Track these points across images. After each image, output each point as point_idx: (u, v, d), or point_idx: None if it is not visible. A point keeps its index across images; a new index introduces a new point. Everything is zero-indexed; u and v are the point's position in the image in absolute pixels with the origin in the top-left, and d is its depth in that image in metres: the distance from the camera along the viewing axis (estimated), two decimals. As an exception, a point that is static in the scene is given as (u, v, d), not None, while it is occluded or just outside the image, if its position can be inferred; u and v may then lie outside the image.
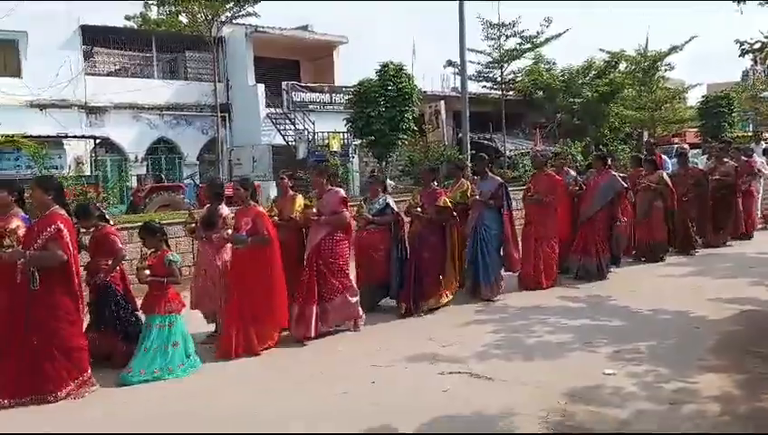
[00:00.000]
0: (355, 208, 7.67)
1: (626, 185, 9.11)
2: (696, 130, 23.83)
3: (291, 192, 7.24)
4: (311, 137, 21.57)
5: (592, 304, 7.51)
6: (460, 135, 17.56)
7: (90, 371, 5.16)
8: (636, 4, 61.85)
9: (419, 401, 4.75)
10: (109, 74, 22.35)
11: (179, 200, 15.76)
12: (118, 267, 5.94)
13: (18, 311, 4.89)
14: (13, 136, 10.77)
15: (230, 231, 6.22)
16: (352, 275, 7.00)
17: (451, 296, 7.58)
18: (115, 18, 26.31)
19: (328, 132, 21.15)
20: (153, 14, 27.82)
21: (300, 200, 7.03)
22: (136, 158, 21.45)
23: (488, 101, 22.64)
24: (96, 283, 5.84)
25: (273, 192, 19.15)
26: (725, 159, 11.79)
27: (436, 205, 7.46)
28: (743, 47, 7.52)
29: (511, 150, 21.13)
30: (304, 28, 25.05)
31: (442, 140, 20.60)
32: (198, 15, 10.70)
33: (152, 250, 5.77)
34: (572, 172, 9.66)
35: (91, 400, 5.02)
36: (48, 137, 17.16)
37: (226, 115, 23.47)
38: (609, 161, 9.48)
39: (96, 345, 5.63)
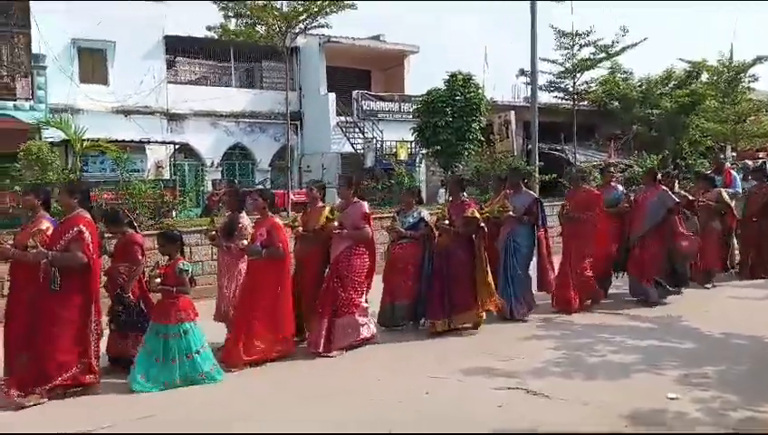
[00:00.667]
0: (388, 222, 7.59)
1: (677, 201, 8.42)
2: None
3: (320, 203, 7.00)
4: (379, 145, 21.79)
5: (661, 325, 7.25)
6: (530, 146, 17.30)
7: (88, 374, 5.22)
8: (721, 9, 59.31)
9: (472, 414, 4.73)
10: (189, 83, 23.29)
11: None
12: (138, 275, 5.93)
13: (39, 309, 5.11)
14: (98, 140, 11.41)
15: (245, 242, 6.21)
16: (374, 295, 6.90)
17: (487, 312, 7.18)
18: (197, 29, 27.46)
19: (396, 141, 21.31)
20: (232, 25, 28.83)
21: (326, 212, 6.81)
22: (212, 163, 22.24)
23: (560, 111, 22.22)
24: (116, 290, 5.87)
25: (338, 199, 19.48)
26: None
27: (464, 216, 7.11)
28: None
29: (582, 162, 20.62)
30: (376, 38, 25.35)
31: (511, 151, 20.37)
32: (273, 27, 11.03)
33: (167, 258, 5.76)
34: (620, 187, 9.16)
35: (87, 401, 5.17)
36: (131, 142, 18.06)
37: (298, 123, 24.03)
38: (660, 176, 8.86)
39: (115, 350, 5.85)
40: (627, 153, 22.32)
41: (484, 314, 7.10)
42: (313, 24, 11.92)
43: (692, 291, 8.99)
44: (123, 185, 9.98)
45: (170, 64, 22.59)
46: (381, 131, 22.22)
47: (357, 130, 22.68)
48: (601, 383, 5.35)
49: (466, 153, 13.75)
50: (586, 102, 23.95)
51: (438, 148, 13.37)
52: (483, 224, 7.09)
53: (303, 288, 6.63)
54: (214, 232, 6.71)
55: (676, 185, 9.29)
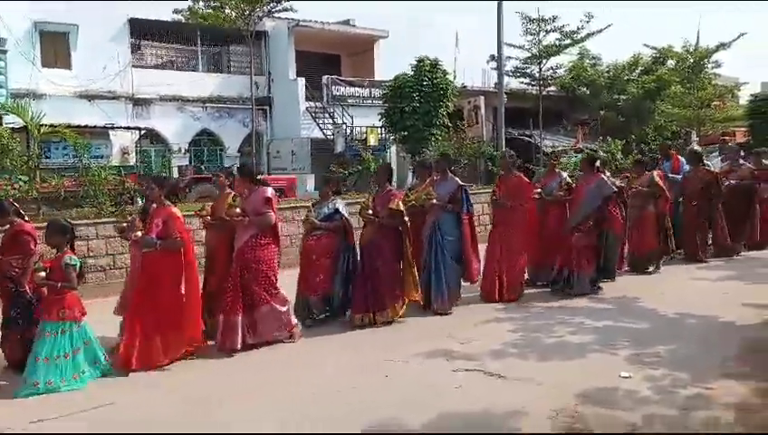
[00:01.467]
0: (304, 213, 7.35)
1: (615, 189, 8.17)
2: (744, 129, 23.04)
3: (227, 190, 6.65)
4: (349, 131, 21.73)
5: (618, 306, 7.40)
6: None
7: None
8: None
9: (430, 396, 4.79)
10: (155, 67, 22.90)
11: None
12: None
13: None
14: (57, 126, 11.15)
15: (139, 233, 5.79)
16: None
17: (406, 303, 6.95)
18: (163, 12, 26.92)
19: (366, 127, 21.28)
20: (201, 7, 28.37)
21: (229, 199, 6.47)
22: (179, 149, 21.96)
23: (529, 97, 22.38)
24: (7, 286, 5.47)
25: (311, 185, 19.43)
26: (742, 162, 10.97)
27: (389, 208, 6.79)
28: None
29: (549, 147, 20.84)
30: (346, 23, 25.20)
31: (480, 136, 20.48)
32: (235, 10, 10.86)
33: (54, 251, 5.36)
34: (564, 174, 8.98)
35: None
36: (95, 127, 17.70)
37: (267, 108, 23.82)
38: (599, 163, 8.50)
39: (5, 350, 5.53)
40: (594, 138, 22.60)
41: (402, 308, 6.87)
42: (278, 8, 11.78)
43: (647, 275, 9.17)
44: (83, 171, 9.79)
45: (135, 48, 22.18)
46: (351, 117, 22.16)
47: (327, 115, 22.58)
48: (557, 363, 5.46)
49: (433, 138, 13.79)
50: (554, 88, 24.15)
51: (406, 133, 13.38)
52: (406, 217, 6.83)
53: (213, 278, 6.41)
54: (125, 224, 6.29)
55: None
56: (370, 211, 6.91)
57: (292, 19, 21.99)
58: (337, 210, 7.02)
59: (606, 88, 23.65)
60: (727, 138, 26.00)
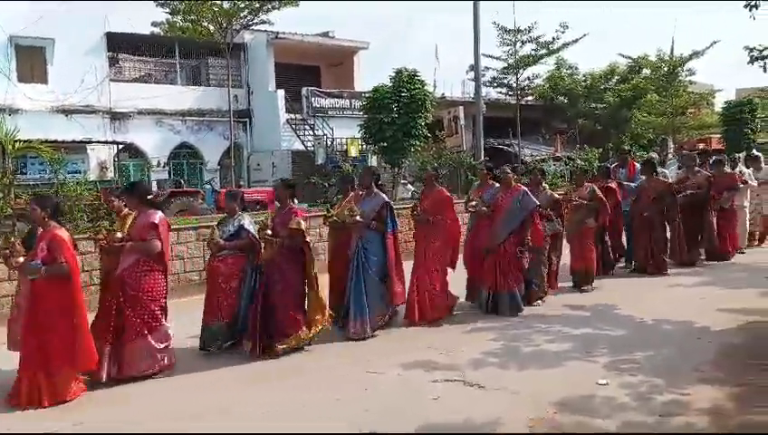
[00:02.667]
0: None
1: (538, 203, 7.68)
2: (718, 136, 23.45)
3: (124, 211, 6.24)
4: (329, 142, 21.76)
5: (596, 313, 7.46)
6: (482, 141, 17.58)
7: None
8: (663, 5, 61.23)
9: (409, 407, 4.79)
10: (133, 80, 22.81)
11: (198, 205, 16.02)
12: None
13: None
14: (31, 141, 11.04)
15: (21, 259, 5.30)
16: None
17: (319, 327, 6.39)
18: (142, 25, 26.90)
19: (346, 138, 21.32)
20: (179, 20, 28.32)
21: (129, 221, 6.03)
22: (158, 163, 21.84)
23: (507, 106, 22.58)
24: None
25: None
26: (697, 170, 10.57)
27: (288, 227, 6.29)
28: (752, 54, 7.42)
29: (528, 156, 21.03)
30: (325, 34, 25.29)
31: (460, 146, 20.60)
32: (213, 23, 10.86)
33: None
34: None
35: None
36: (72, 142, 17.58)
37: (247, 121, 23.79)
38: (515, 175, 8.02)
39: None
40: (572, 146, 22.84)
41: (311, 333, 6.35)
42: (255, 21, 11.79)
43: (627, 280, 9.27)
44: (58, 187, 9.70)
45: (113, 62, 22.08)
46: (332, 128, 22.20)
47: (307, 127, 22.60)
48: (535, 372, 5.49)
49: (412, 149, 13.86)
50: (532, 97, 24.40)
51: (385, 144, 13.44)
52: (308, 238, 6.39)
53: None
54: (7, 250, 5.52)
55: (544, 183, 8.63)
56: (270, 231, 6.35)
57: (271, 31, 22.02)
58: (242, 227, 6.51)
59: (583, 97, 23.95)
60: (701, 145, 26.55)
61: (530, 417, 4.49)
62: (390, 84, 13.59)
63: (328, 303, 6.68)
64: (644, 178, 9.95)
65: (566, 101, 24.73)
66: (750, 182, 11.45)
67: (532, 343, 6.33)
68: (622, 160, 11.07)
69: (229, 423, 4.64)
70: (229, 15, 10.58)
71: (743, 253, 11.10)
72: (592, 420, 4.45)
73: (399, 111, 13.10)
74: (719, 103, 26.57)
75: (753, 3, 7.11)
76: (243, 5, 10.62)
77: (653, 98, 22.38)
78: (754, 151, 13.19)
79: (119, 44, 22.08)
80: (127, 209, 6.20)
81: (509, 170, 7.87)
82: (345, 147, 21.36)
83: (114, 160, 19.13)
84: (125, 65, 23.04)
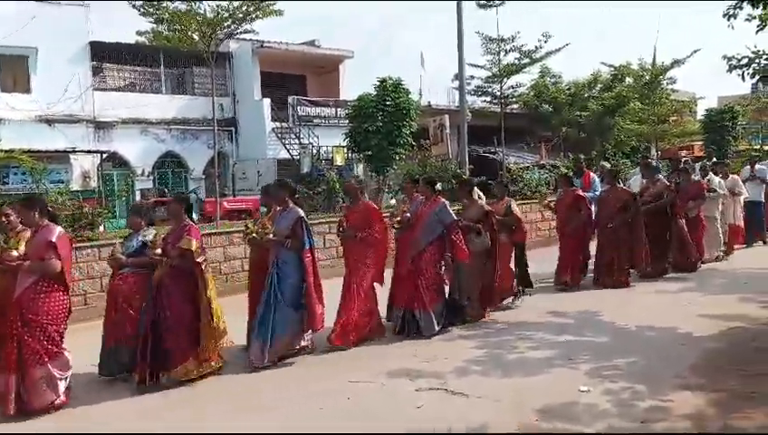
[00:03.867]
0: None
1: (455, 218, 7.20)
2: (700, 143, 23.77)
3: (19, 227, 5.65)
4: (315, 151, 21.75)
5: (578, 320, 7.49)
6: (467, 149, 17.63)
7: None
8: (646, 13, 62.03)
9: (393, 416, 4.79)
10: (117, 89, 22.68)
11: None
12: None
13: None
14: (13, 151, 10.96)
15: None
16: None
17: (219, 364, 5.92)
18: (127, 34, 26.88)
19: (332, 146, 21.33)
20: (164, 30, 28.25)
21: (26, 237, 5.51)
22: (143, 172, 21.73)
23: (493, 115, 22.72)
24: None
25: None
26: (657, 179, 10.18)
27: (178, 246, 5.75)
28: (730, 63, 7.54)
29: (514, 164, 21.14)
30: (311, 43, 25.33)
31: (446, 154, 20.65)
32: (197, 32, 10.86)
33: None
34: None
35: None
36: (55, 152, 17.45)
37: (233, 129, 23.74)
38: (439, 186, 7.47)
39: None
40: (557, 154, 22.99)
41: (202, 369, 5.77)
42: (239, 30, 11.82)
43: (613, 290, 9.25)
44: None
45: (97, 71, 21.95)
46: (317, 137, 22.20)
47: (293, 135, 22.58)
48: (518, 380, 5.50)
49: (397, 157, 13.90)
50: (517, 106, 24.53)
51: (370, 153, 13.47)
52: (201, 259, 5.79)
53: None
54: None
55: (476, 191, 8.09)
56: (159, 250, 5.83)
57: (256, 40, 22.03)
58: (146, 243, 6.02)
59: (567, 105, 24.12)
60: (684, 152, 26.85)
61: (513, 424, 4.50)
62: (375, 93, 13.63)
63: (247, 321, 6.38)
64: (607, 187, 9.80)
65: (550, 109, 24.91)
66: (719, 191, 11.21)
67: (516, 351, 6.34)
68: (578, 170, 10.76)
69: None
70: (213, 25, 10.58)
71: (719, 260, 11.03)
72: (574, 426, 4.47)
73: (384, 119, 13.15)
74: (701, 111, 26.96)
75: (731, 12, 7.24)
76: (227, 15, 10.64)
77: (636, 106, 22.61)
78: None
79: (103, 53, 21.96)
80: (21, 226, 5.61)
81: (429, 181, 7.44)
82: (331, 155, 21.36)
83: (98, 170, 19.00)
84: (109, 74, 22.90)
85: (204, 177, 22.88)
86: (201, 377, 5.76)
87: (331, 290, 6.70)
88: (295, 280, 6.23)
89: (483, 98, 23.42)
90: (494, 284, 7.70)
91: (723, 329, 6.82)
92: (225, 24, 11.25)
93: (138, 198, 19.40)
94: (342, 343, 6.57)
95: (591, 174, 10.62)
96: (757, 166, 13.24)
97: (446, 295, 7.25)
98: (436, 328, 6.98)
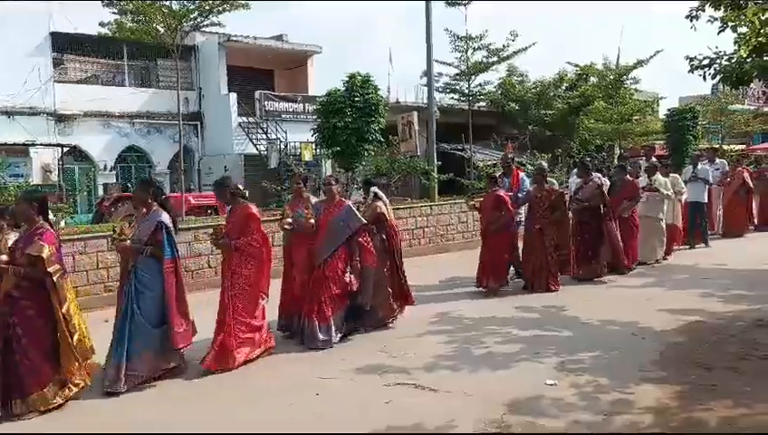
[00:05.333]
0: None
1: (364, 221, 6.81)
2: (661, 142, 24.21)
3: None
4: (283, 146, 21.58)
5: (546, 315, 7.59)
6: (435, 146, 17.70)
7: None
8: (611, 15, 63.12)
9: (361, 412, 4.78)
10: (79, 82, 22.11)
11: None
12: None
13: None
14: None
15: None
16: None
17: (78, 386, 5.18)
18: (89, 25, 26.19)
19: (300, 142, 21.19)
20: (128, 21, 27.67)
21: None
22: (105, 166, 21.27)
23: (460, 112, 22.85)
24: None
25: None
26: (590, 180, 9.76)
27: (27, 253, 5.01)
28: (692, 63, 7.70)
29: (481, 161, 21.30)
30: (279, 38, 25.09)
31: (414, 151, 20.71)
32: (161, 24, 10.65)
33: None
34: (314, 200, 7.16)
35: None
36: (14, 144, 16.95)
37: (198, 124, 23.41)
38: (339, 188, 7.09)
39: None
40: (523, 152, 23.23)
41: (66, 394, 5.10)
42: (205, 23, 11.64)
43: (575, 283, 9.40)
44: (-1, 190, 9.36)
45: (58, 62, 21.38)
46: (285, 132, 22.01)
47: (260, 130, 22.35)
48: (486, 374, 5.55)
49: (366, 154, 13.86)
50: (484, 104, 24.72)
51: (338, 149, 13.41)
52: (52, 269, 4.98)
53: None
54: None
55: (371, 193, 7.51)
56: (5, 256, 5.13)
57: (223, 34, 21.72)
58: None
59: (534, 103, 24.39)
60: (642, 151, 27.34)
61: (480, 419, 4.54)
62: (343, 89, 13.58)
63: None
64: (535, 187, 9.30)
65: (517, 107, 25.16)
66: (664, 191, 10.80)
67: (483, 345, 6.40)
68: (506, 169, 10.17)
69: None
70: (178, 17, 10.38)
71: (664, 260, 10.91)
72: (540, 420, 4.53)
73: (353, 115, 13.09)
74: (663, 110, 27.52)
75: (694, 14, 7.39)
76: (192, 7, 10.43)
77: (600, 105, 22.98)
78: (653, 160, 12.20)
79: (64, 45, 21.40)
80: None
81: (333, 182, 7.01)
82: (299, 151, 21.21)
83: (59, 163, 18.53)
84: (71, 66, 22.32)
85: (168, 172, 22.50)
86: (66, 401, 5.08)
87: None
88: (156, 292, 5.54)
89: (451, 95, 23.53)
90: (402, 280, 7.38)
91: (684, 323, 7.00)
92: (191, 17, 11.05)
93: (100, 192, 18.98)
94: (217, 367, 5.80)
95: (521, 173, 10.19)
96: (699, 166, 13.01)
97: (350, 301, 6.76)
98: (335, 339, 6.54)
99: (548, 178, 9.77)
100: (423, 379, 5.44)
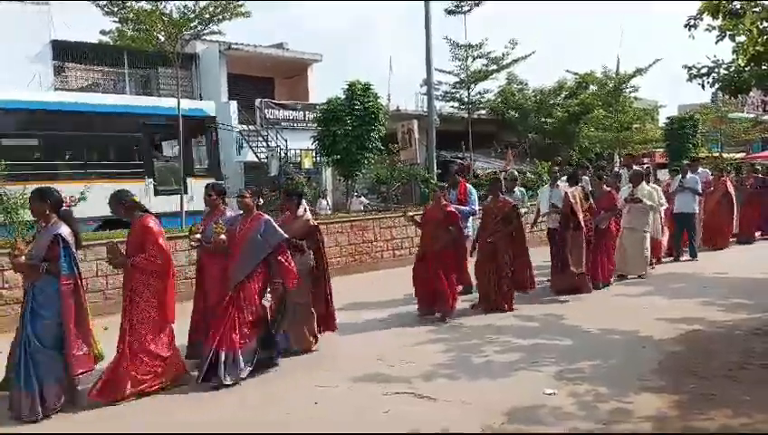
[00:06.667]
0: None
1: (286, 236, 6.03)
2: (661, 150, 24.31)
3: None
4: (283, 154, 21.60)
5: (545, 324, 7.58)
6: (435, 154, 17.74)
7: None
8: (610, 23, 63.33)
9: (360, 421, 4.77)
10: (80, 90, 22.12)
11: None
12: None
13: None
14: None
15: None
16: None
17: None
18: (91, 33, 26.37)
19: (300, 150, 21.22)
20: (129, 30, 27.76)
21: None
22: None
23: (460, 120, 22.93)
24: None
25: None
26: (502, 198, 8.70)
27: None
28: (691, 72, 7.73)
29: (481, 169, 21.34)
30: (279, 46, 25.18)
31: (414, 159, 20.76)
32: (162, 33, 10.70)
33: None
34: (229, 214, 6.46)
35: None
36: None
37: (199, 132, 23.40)
38: (260, 201, 6.35)
39: None
40: (523, 160, 23.27)
41: None
42: (205, 31, 11.69)
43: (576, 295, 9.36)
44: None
45: (59, 71, 21.43)
46: (285, 140, 22.04)
47: (260, 138, 22.38)
48: (485, 383, 5.54)
49: (366, 161, 13.90)
50: (484, 112, 24.79)
51: (338, 157, 13.45)
52: None
53: None
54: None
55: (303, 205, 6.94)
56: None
57: (224, 42, 21.79)
58: None
59: (533, 111, 24.46)
60: (647, 159, 27.41)
61: (478, 427, 4.52)
62: (344, 96, 13.63)
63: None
64: (490, 198, 8.72)
65: (517, 115, 25.23)
66: (647, 202, 10.24)
67: (482, 354, 6.39)
68: (452, 181, 9.56)
69: None
70: (179, 25, 10.43)
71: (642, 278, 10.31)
72: (539, 428, 4.52)
73: (353, 123, 13.15)
74: (663, 119, 27.59)
75: (692, 23, 7.42)
76: (193, 15, 10.50)
77: (600, 113, 23.07)
78: (635, 167, 11.80)
79: (65, 53, 21.44)
80: None
81: (247, 194, 6.19)
82: (299, 159, 21.24)
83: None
84: (71, 74, 22.34)
85: (169, 179, 22.45)
86: None
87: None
88: (52, 312, 5.09)
89: (451, 103, 23.61)
90: (329, 306, 6.80)
91: (683, 332, 6.99)
92: (192, 25, 11.10)
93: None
94: (103, 399, 5.23)
95: (468, 185, 9.57)
96: (689, 175, 12.37)
97: (264, 328, 5.97)
98: (244, 373, 5.71)
99: (516, 190, 9.67)
100: (422, 387, 5.43)
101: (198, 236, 6.24)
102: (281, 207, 6.81)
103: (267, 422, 4.82)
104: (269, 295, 6.02)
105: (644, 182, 10.61)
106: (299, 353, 6.49)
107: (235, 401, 5.33)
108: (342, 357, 6.51)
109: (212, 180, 9.93)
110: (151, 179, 13.53)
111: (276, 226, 6.05)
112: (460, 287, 8.38)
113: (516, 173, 10.67)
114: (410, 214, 8.94)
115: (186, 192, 12.41)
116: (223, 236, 5.99)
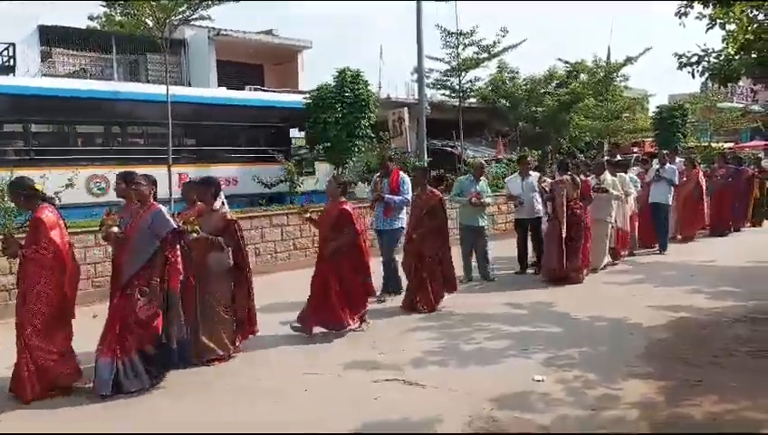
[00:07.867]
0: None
1: (174, 226, 5.43)
2: (650, 139, 24.36)
3: None
4: (273, 141, 21.49)
5: (534, 311, 7.61)
6: (426, 142, 17.72)
7: None
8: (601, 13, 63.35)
9: (350, 408, 4.77)
10: (67, 75, 21.89)
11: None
12: None
13: None
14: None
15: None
16: None
17: None
18: (78, 18, 26.06)
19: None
20: (117, 14, 27.44)
21: None
22: (93, 160, 21.07)
23: (451, 108, 22.87)
24: None
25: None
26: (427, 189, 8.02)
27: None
28: (681, 60, 7.73)
29: (472, 157, 21.31)
30: (269, 32, 24.98)
31: (405, 147, 20.72)
32: (150, 18, 10.55)
33: None
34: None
35: None
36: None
37: (188, 118, 23.24)
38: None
39: None
40: (514, 148, 23.27)
41: None
42: (194, 17, 11.56)
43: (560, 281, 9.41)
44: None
45: (45, 56, 21.17)
46: (275, 127, 21.93)
47: (250, 125, 22.25)
48: (474, 370, 5.56)
49: (356, 149, 13.84)
50: (475, 100, 24.73)
51: (329, 144, 13.39)
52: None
53: None
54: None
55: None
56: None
57: (213, 28, 21.58)
58: None
59: (524, 100, 24.39)
60: (637, 148, 27.52)
61: (467, 414, 4.54)
62: (334, 84, 13.55)
63: None
64: (417, 192, 8.11)
65: (507, 104, 25.17)
66: (613, 192, 9.95)
67: (472, 341, 6.41)
68: (384, 171, 8.77)
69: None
70: (167, 10, 10.29)
71: (612, 266, 10.29)
72: (528, 415, 4.54)
73: (343, 110, 13.08)
74: (652, 108, 27.67)
75: (682, 11, 7.42)
76: (181, 0, 10.36)
77: (590, 102, 23.06)
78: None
79: (52, 38, 21.19)
80: None
81: (143, 181, 5.54)
82: (289, 146, 21.13)
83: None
84: (59, 60, 22.08)
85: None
86: None
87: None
88: None
89: (442, 91, 23.49)
90: (251, 305, 6.23)
91: (670, 320, 7.04)
92: (180, 10, 10.97)
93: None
94: (32, 399, 4.98)
95: (401, 173, 8.84)
96: (667, 166, 11.97)
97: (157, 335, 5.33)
98: (147, 383, 5.21)
99: (482, 180, 9.31)
100: (411, 375, 5.44)
101: (116, 229, 5.47)
102: (192, 198, 6.25)
103: (256, 410, 4.82)
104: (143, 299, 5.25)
105: (606, 172, 10.28)
106: (209, 364, 5.82)
107: (224, 387, 5.32)
108: (333, 344, 6.50)
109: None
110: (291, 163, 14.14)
111: (168, 216, 5.48)
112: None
113: (483, 162, 10.35)
114: (306, 215, 7.23)
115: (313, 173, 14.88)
116: (115, 229, 5.42)
